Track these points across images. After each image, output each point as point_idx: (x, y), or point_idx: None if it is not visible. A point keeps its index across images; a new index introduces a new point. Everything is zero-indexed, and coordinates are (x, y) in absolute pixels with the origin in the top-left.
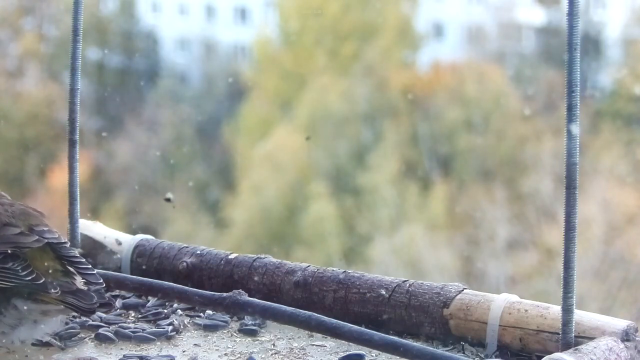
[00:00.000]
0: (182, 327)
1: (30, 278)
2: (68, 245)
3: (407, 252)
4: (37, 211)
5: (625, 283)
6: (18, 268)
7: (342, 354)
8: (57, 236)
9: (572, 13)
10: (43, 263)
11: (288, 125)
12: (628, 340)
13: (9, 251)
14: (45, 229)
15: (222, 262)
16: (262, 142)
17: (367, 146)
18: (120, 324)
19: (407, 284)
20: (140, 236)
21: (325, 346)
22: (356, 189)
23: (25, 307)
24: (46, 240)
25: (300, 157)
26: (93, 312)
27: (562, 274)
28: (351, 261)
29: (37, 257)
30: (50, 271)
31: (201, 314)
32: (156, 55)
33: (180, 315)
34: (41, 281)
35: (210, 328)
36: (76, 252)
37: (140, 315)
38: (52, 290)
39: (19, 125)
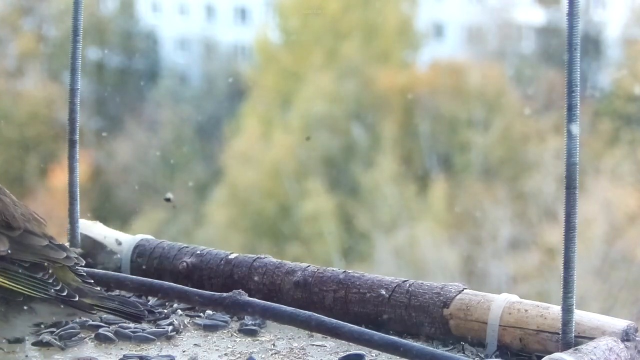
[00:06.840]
0: (182, 327)
1: (64, 294)
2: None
3: (407, 251)
4: (40, 216)
5: (626, 283)
6: (49, 281)
7: (342, 354)
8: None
9: (572, 13)
10: (66, 276)
11: (287, 124)
12: (628, 340)
13: (37, 261)
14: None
15: (222, 262)
16: (260, 141)
17: (366, 145)
18: (120, 324)
19: (407, 284)
20: (140, 236)
21: (325, 346)
22: (356, 187)
23: (49, 312)
24: (74, 260)
25: (298, 155)
26: (143, 318)
27: (562, 274)
28: (350, 260)
29: (58, 269)
30: (72, 283)
31: (201, 314)
32: (156, 55)
33: (180, 315)
34: (76, 299)
35: (210, 328)
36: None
37: None
38: (87, 302)
39: (19, 125)
